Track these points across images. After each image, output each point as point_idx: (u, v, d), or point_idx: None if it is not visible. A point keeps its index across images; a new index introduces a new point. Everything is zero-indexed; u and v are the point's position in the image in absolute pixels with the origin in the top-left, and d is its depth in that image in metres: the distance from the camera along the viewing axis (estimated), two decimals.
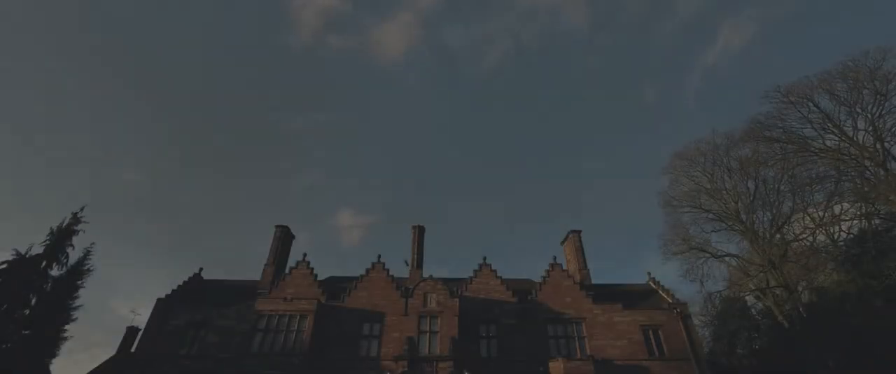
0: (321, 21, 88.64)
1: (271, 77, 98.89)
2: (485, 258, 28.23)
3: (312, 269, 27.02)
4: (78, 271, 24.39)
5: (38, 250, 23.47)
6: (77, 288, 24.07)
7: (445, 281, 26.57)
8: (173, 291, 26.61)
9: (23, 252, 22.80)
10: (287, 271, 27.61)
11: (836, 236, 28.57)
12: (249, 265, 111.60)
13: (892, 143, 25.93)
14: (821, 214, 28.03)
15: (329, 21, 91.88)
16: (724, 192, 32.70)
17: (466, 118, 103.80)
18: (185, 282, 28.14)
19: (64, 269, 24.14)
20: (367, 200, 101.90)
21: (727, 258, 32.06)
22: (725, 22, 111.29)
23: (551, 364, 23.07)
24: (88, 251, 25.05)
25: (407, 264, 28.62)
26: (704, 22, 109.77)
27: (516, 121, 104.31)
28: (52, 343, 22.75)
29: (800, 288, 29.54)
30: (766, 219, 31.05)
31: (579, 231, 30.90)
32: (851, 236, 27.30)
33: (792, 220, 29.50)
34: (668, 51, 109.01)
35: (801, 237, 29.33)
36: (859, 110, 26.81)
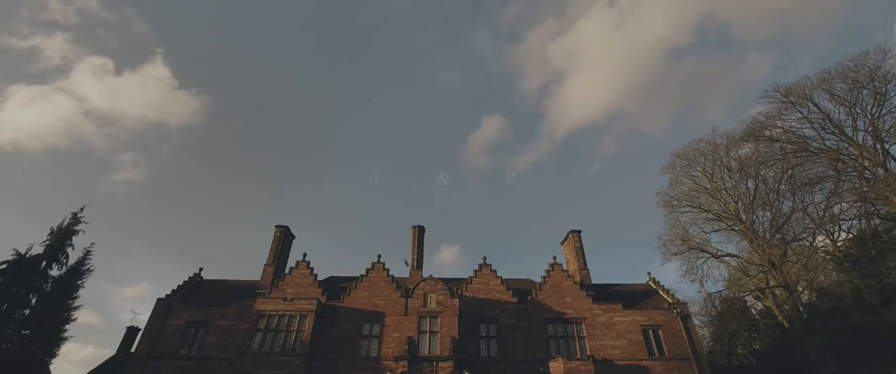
0: (483, 147, 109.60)
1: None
2: (485, 258, 28.24)
3: (312, 269, 27.01)
4: (78, 272, 24.38)
5: (38, 250, 23.48)
6: (77, 288, 24.07)
7: (445, 281, 26.57)
8: (173, 291, 26.61)
9: (23, 252, 22.79)
10: (287, 270, 27.59)
11: (835, 236, 28.58)
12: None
13: (891, 143, 25.89)
14: (820, 214, 28.01)
15: (488, 148, 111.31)
16: (724, 192, 32.67)
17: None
18: (184, 282, 28.14)
19: (64, 269, 24.12)
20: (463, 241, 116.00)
21: (727, 258, 32.03)
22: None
23: (551, 364, 23.08)
24: (88, 251, 25.08)
25: (407, 265, 28.62)
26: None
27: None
28: (52, 343, 22.74)
29: (800, 288, 29.49)
30: (765, 219, 31.03)
31: (579, 231, 30.90)
32: (851, 236, 27.29)
33: (792, 220, 29.44)
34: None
35: (800, 237, 29.31)
36: (859, 111, 26.77)
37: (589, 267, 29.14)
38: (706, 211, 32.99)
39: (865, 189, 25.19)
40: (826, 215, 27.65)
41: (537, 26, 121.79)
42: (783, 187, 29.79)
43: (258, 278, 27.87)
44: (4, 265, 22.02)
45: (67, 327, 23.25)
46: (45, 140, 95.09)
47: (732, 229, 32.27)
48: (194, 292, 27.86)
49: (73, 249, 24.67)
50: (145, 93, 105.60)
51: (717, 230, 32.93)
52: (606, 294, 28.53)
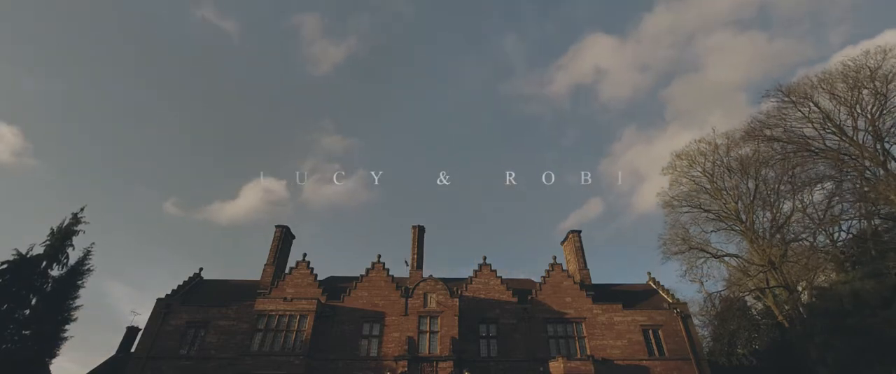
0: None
1: None
2: (485, 258, 28.23)
3: (312, 269, 27.02)
4: (78, 272, 24.41)
5: (38, 250, 23.52)
6: (77, 288, 24.10)
7: (445, 281, 26.57)
8: (173, 291, 26.61)
9: (23, 252, 22.82)
10: (287, 270, 27.60)
11: (836, 236, 28.53)
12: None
13: (892, 143, 25.87)
14: (821, 214, 27.95)
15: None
16: (724, 192, 32.59)
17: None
18: (184, 282, 28.14)
19: (64, 269, 24.15)
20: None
21: (727, 258, 31.96)
22: None
23: (551, 364, 23.08)
24: (88, 251, 25.12)
25: (407, 265, 28.62)
26: None
27: None
28: (52, 343, 22.76)
29: (800, 288, 29.45)
30: (766, 219, 30.96)
31: (579, 231, 30.89)
32: (851, 236, 27.25)
33: (792, 220, 29.38)
34: None
35: (801, 237, 29.25)
36: (859, 110, 26.71)
37: (589, 267, 29.15)
38: (706, 211, 32.89)
39: (866, 189, 25.16)
40: (826, 215, 27.58)
41: (638, 147, 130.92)
42: (783, 187, 29.72)
43: (258, 278, 27.89)
44: (5, 265, 22.05)
45: (67, 327, 23.29)
46: (248, 217, 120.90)
47: (732, 229, 32.19)
48: (194, 292, 27.87)
49: (74, 249, 24.72)
50: (345, 190, 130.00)
51: (718, 230, 32.86)
52: (606, 294, 28.52)
